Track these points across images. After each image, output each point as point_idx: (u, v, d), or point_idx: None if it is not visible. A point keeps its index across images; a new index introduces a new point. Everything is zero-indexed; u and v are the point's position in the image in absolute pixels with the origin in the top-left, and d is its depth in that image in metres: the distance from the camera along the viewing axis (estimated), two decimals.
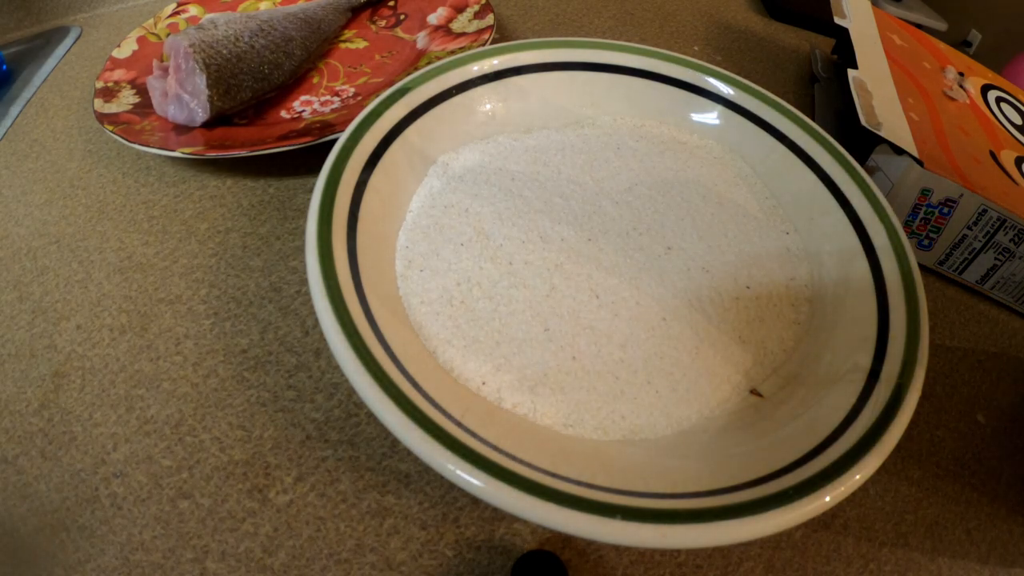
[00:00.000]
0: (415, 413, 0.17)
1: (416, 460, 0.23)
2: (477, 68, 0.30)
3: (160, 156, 0.33)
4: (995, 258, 0.30)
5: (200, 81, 0.31)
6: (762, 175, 0.30)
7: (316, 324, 0.26)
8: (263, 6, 0.43)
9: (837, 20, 0.38)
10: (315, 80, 0.38)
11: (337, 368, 0.25)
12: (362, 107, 0.27)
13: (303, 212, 0.31)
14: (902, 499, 0.24)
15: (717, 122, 0.31)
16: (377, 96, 0.28)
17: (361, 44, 0.41)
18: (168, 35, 0.38)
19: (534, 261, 0.24)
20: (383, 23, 0.43)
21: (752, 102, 0.31)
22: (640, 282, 0.24)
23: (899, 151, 0.29)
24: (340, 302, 0.20)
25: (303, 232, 0.29)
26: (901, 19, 0.42)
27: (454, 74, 0.30)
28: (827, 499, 0.17)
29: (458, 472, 0.16)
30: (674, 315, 0.23)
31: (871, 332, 0.22)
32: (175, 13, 0.41)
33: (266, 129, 0.33)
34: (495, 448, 0.18)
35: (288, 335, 0.26)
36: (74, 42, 0.43)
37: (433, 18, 0.41)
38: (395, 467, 0.22)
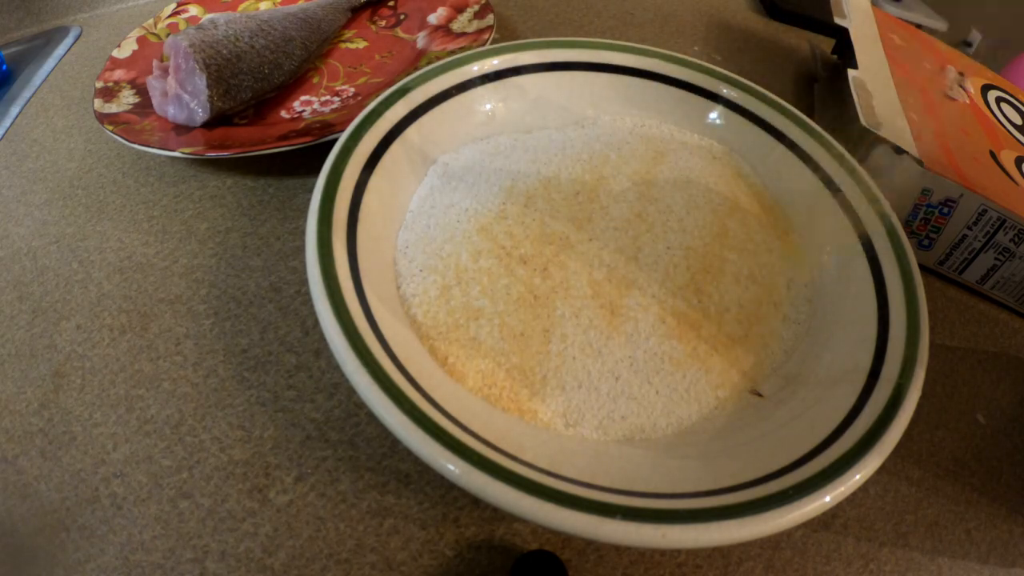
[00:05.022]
0: (415, 413, 0.17)
1: (416, 460, 0.23)
2: (477, 68, 0.30)
3: (160, 156, 0.33)
4: (995, 258, 0.30)
5: (200, 81, 0.31)
6: (762, 175, 0.30)
7: (316, 324, 0.26)
8: (263, 6, 0.43)
9: (837, 20, 0.38)
10: (315, 80, 0.38)
11: (337, 368, 0.25)
12: (362, 107, 0.27)
13: (303, 212, 0.31)
14: (902, 499, 0.24)
15: (717, 122, 0.31)
16: (377, 96, 0.28)
17: (361, 44, 0.41)
18: (168, 35, 0.38)
19: (534, 260, 0.24)
20: (383, 23, 0.43)
21: (752, 102, 0.31)
22: (640, 281, 0.24)
23: (899, 151, 0.29)
24: (340, 302, 0.20)
25: (303, 232, 0.29)
26: (901, 19, 0.42)
27: (454, 74, 0.30)
28: (827, 499, 0.17)
29: (458, 472, 0.16)
30: (674, 314, 0.23)
31: (871, 332, 0.22)
32: (175, 13, 0.41)
33: (266, 129, 0.33)
34: (495, 448, 0.18)
35: (288, 335, 0.26)
36: (74, 42, 0.43)
37: (433, 18, 0.41)
38: (395, 467, 0.22)
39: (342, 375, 0.25)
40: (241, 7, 0.42)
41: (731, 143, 0.31)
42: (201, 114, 0.31)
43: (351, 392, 0.24)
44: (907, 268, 0.23)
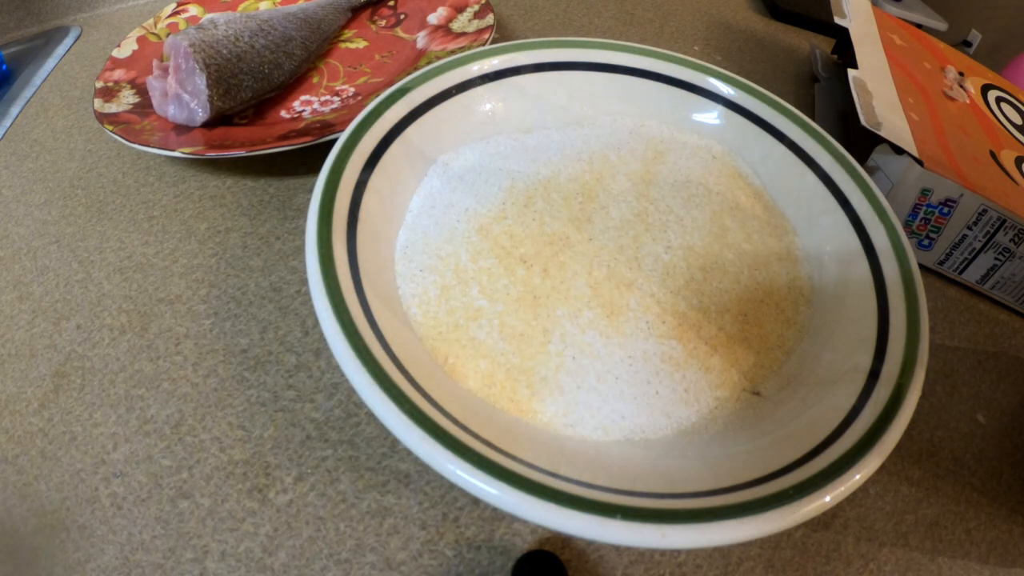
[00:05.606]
0: (415, 413, 0.17)
1: (416, 460, 0.23)
2: (477, 68, 0.30)
3: (160, 156, 0.33)
4: (995, 258, 0.30)
5: (200, 81, 0.31)
6: (762, 175, 0.30)
7: (316, 324, 0.26)
8: (263, 6, 0.43)
9: (837, 20, 0.38)
10: (315, 80, 0.38)
11: (337, 368, 0.25)
12: (362, 107, 0.27)
13: (303, 212, 0.31)
14: (902, 499, 0.24)
15: (717, 122, 0.31)
16: (377, 96, 0.28)
17: (361, 44, 0.41)
18: (168, 35, 0.38)
19: (534, 260, 0.24)
20: (383, 23, 0.43)
21: (752, 102, 0.31)
22: (640, 282, 0.24)
23: (899, 151, 0.29)
24: (340, 302, 0.20)
25: (303, 232, 0.29)
26: (901, 19, 0.42)
27: (454, 74, 0.30)
28: (827, 499, 0.17)
29: (458, 472, 0.16)
30: (674, 315, 0.23)
31: (871, 332, 0.22)
32: (175, 13, 0.41)
33: (266, 129, 0.33)
34: (495, 448, 0.18)
35: (288, 335, 0.26)
36: (74, 42, 0.43)
37: (433, 18, 0.41)
38: (395, 467, 0.22)
39: (342, 375, 0.25)
40: (241, 7, 0.42)
41: (731, 143, 0.31)
42: (201, 114, 0.31)
43: (351, 392, 0.24)
44: (907, 268, 0.23)
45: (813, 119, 0.30)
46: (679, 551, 0.21)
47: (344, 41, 0.41)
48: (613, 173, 0.29)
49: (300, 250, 0.29)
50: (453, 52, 0.36)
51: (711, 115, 0.32)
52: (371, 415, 0.24)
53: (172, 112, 0.32)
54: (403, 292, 0.23)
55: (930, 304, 0.30)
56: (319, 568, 0.20)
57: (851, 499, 0.23)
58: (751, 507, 0.17)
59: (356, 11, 0.43)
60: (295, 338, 0.26)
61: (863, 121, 0.30)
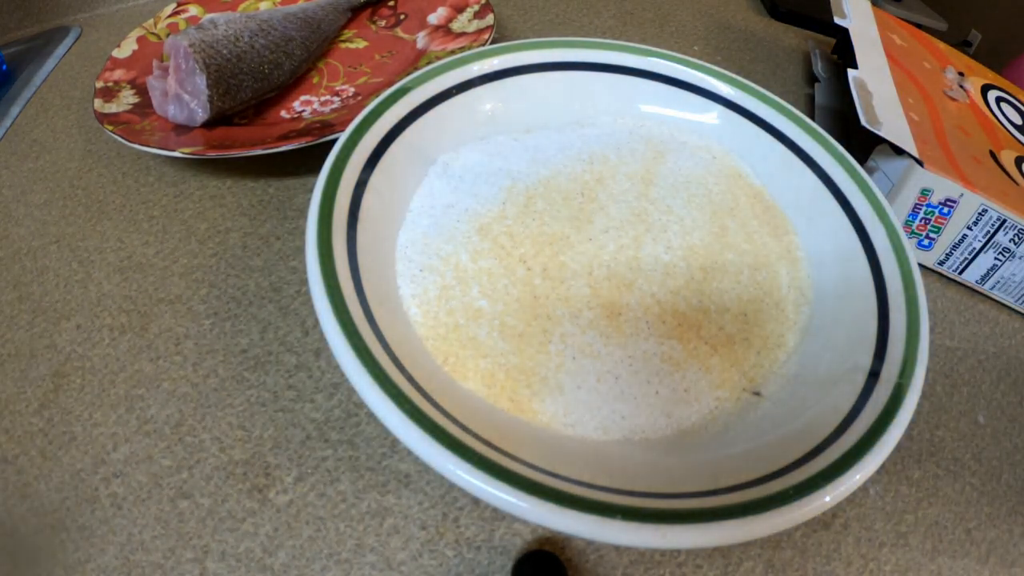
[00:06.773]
0: (415, 413, 0.17)
1: (416, 460, 0.23)
2: (477, 68, 0.30)
3: (160, 156, 0.33)
4: (995, 258, 0.30)
5: (200, 81, 0.31)
6: (762, 175, 0.30)
7: (316, 324, 0.26)
8: (263, 6, 0.43)
9: (837, 20, 0.38)
10: (315, 80, 0.38)
11: (337, 368, 0.25)
12: (362, 107, 0.27)
13: (303, 212, 0.31)
14: (902, 499, 0.24)
15: (717, 122, 0.31)
16: (377, 96, 0.28)
17: (361, 44, 0.41)
18: (168, 35, 0.38)
19: (534, 260, 0.24)
20: (383, 23, 0.43)
21: (752, 102, 0.31)
22: (640, 282, 0.24)
23: (899, 151, 0.29)
24: (340, 302, 0.20)
25: (303, 232, 0.29)
26: (901, 19, 0.42)
27: (454, 74, 0.30)
28: (827, 499, 0.17)
29: (458, 472, 0.16)
30: (674, 315, 0.23)
31: (871, 332, 0.22)
32: (175, 13, 0.41)
33: (266, 129, 0.33)
34: (495, 448, 0.18)
35: (288, 335, 0.26)
36: (74, 42, 0.43)
37: (433, 18, 0.41)
38: (395, 467, 0.22)
39: (342, 375, 0.25)
40: (241, 7, 0.42)
41: (731, 143, 0.31)
42: (201, 114, 0.31)
43: (351, 392, 0.24)
44: (907, 268, 0.23)
45: (813, 119, 0.30)
46: (679, 551, 0.21)
47: (344, 41, 0.41)
48: (613, 173, 0.29)
49: (300, 250, 0.29)
50: (453, 52, 0.36)
51: (711, 115, 0.32)
52: (371, 415, 0.24)
53: (172, 112, 0.32)
54: (403, 292, 0.23)
55: (930, 304, 0.30)
56: (319, 568, 0.20)
57: (851, 499, 0.23)
58: (751, 507, 0.17)
59: (356, 11, 0.43)
60: (295, 338, 0.26)
61: (863, 121, 0.30)
